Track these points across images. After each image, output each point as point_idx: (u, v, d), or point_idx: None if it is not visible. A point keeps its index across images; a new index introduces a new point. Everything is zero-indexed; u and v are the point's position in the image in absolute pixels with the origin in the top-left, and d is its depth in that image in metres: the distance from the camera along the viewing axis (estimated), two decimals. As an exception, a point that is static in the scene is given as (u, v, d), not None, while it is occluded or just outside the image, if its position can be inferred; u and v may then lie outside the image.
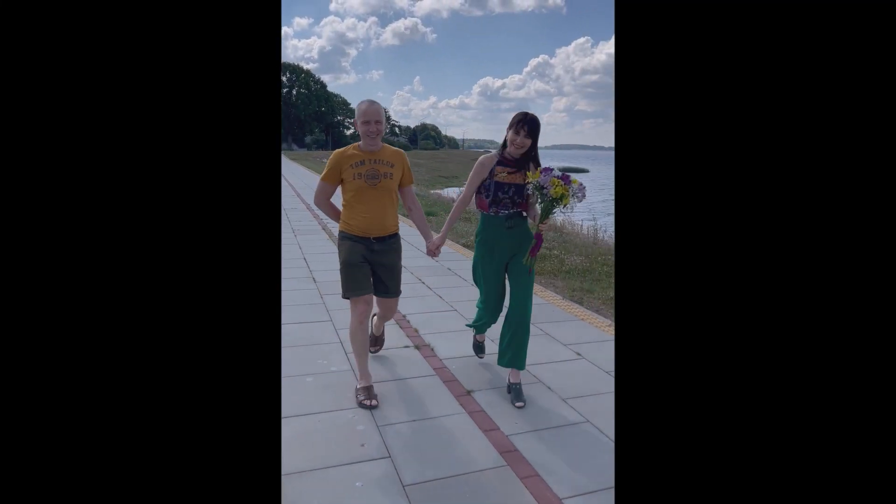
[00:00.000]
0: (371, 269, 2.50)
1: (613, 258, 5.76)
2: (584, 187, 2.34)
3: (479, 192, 2.51)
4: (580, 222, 9.32)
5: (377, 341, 2.98)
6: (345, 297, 2.45)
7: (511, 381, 2.55)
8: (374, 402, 2.41)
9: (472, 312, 4.04)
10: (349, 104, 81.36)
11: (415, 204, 2.67)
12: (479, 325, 2.76)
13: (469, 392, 2.59)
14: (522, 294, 2.49)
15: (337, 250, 2.53)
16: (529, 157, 2.45)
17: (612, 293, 4.40)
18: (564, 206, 2.29)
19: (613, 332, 3.48)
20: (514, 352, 2.50)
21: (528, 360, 2.60)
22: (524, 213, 2.54)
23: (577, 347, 3.18)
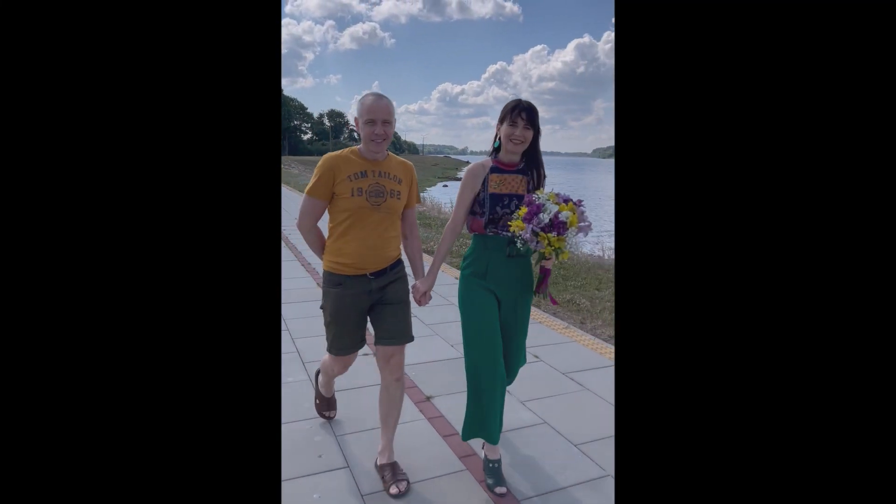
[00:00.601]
0: (369, 312, 1.94)
1: (571, 263, 5.90)
2: (585, 216, 1.76)
3: (471, 211, 1.92)
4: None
5: (395, 472, 1.91)
6: (328, 350, 1.96)
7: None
8: (331, 414, 2.36)
9: (434, 316, 4.00)
10: (306, 108, 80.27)
11: (413, 231, 2.04)
12: (483, 403, 1.90)
13: (428, 398, 2.59)
14: (516, 344, 1.99)
15: (322, 295, 1.92)
16: (531, 155, 1.91)
17: (568, 296, 4.50)
18: (566, 258, 1.77)
19: (570, 335, 3.56)
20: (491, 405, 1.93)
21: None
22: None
23: (534, 350, 3.24)
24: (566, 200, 1.74)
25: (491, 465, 1.95)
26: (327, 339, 1.95)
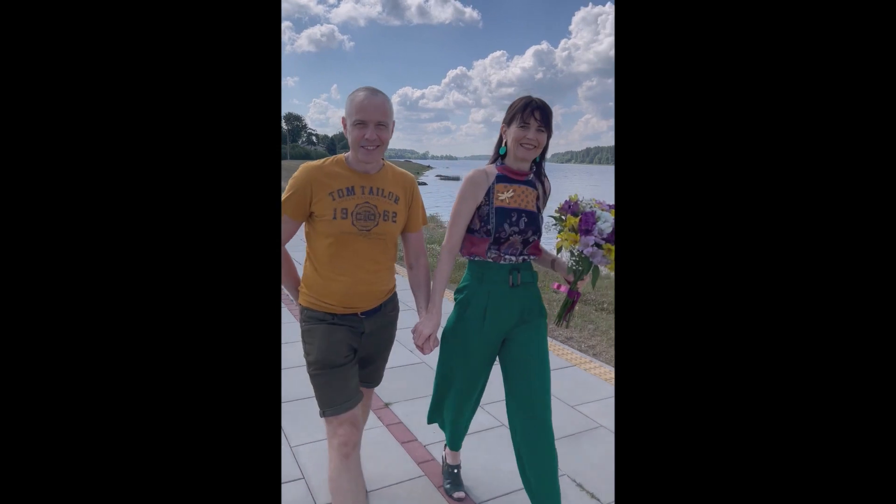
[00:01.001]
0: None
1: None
2: None
3: (469, 229, 1.59)
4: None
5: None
6: (324, 414, 1.44)
7: None
8: None
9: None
10: (262, 111, 78.30)
11: (420, 260, 1.66)
12: (447, 434, 1.86)
13: (387, 405, 2.57)
14: (534, 382, 1.56)
15: (301, 337, 1.53)
16: (539, 163, 1.67)
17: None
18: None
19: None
20: (539, 480, 1.57)
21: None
22: (533, 259, 1.66)
23: (493, 353, 3.27)
24: (611, 206, 1.52)
25: (450, 469, 1.94)
26: (320, 398, 1.45)
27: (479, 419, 2.44)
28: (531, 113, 1.52)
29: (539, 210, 1.62)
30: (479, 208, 1.57)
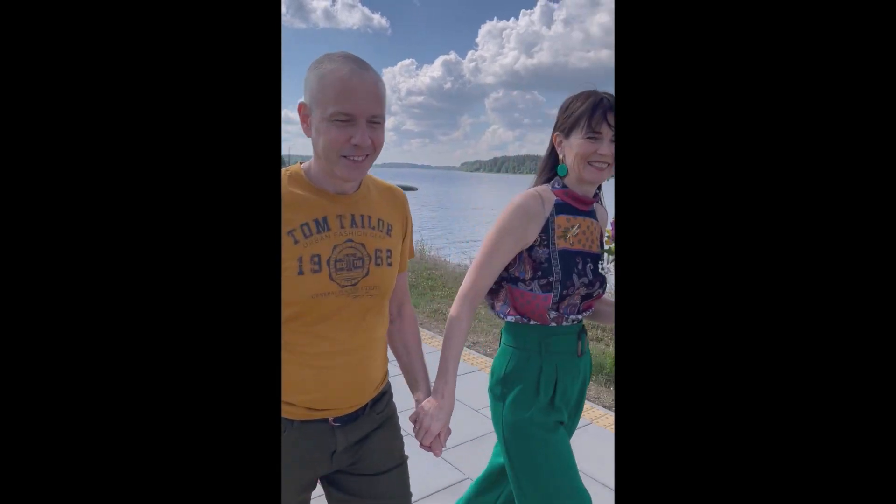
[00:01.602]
0: (326, 484, 1.05)
1: (438, 273, 6.10)
2: None
3: (512, 278, 1.15)
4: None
5: None
6: None
7: None
8: None
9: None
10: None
11: (405, 308, 1.20)
12: None
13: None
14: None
15: None
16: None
17: (435, 306, 4.64)
18: None
19: (435, 345, 3.67)
20: None
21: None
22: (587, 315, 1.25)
23: (401, 362, 3.28)
24: None
25: None
26: None
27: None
28: (603, 117, 1.05)
29: (604, 250, 1.18)
30: (530, 249, 1.10)
